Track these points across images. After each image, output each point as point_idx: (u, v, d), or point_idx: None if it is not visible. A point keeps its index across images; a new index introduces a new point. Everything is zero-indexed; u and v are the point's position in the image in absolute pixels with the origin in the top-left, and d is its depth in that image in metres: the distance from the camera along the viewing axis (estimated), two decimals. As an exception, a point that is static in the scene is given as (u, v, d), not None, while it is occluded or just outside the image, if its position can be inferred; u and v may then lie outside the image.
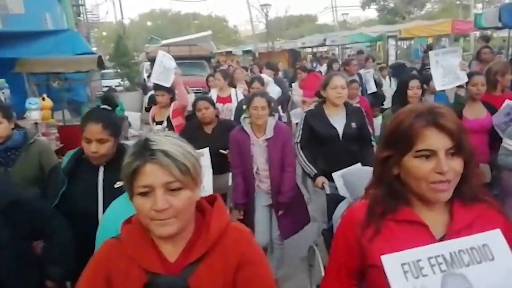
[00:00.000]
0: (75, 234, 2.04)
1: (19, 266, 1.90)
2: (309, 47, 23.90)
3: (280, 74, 10.99)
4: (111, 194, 1.98)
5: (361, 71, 7.21)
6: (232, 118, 4.75)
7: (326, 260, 1.49)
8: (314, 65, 14.61)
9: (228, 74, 5.84)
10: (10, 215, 1.86)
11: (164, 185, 1.08)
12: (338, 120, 3.32)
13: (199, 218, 1.22)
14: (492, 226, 1.10)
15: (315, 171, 3.25)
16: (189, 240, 1.18)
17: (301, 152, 3.34)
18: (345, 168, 2.88)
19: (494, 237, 1.06)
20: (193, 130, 3.84)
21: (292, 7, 75.30)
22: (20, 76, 5.80)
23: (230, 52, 28.01)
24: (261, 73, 8.29)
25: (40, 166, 2.63)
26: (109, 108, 2.27)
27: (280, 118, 4.99)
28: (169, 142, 1.12)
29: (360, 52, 12.58)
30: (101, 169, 2.14)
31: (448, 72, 3.83)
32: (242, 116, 3.39)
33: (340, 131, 3.28)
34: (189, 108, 4.33)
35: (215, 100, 4.52)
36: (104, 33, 40.42)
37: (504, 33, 11.47)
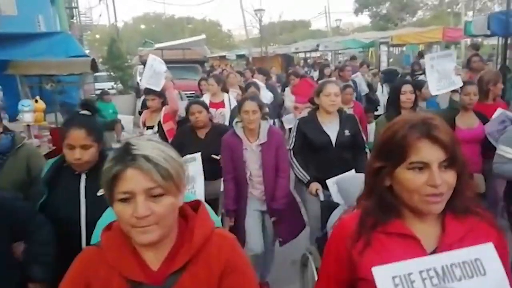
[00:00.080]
0: (57, 240, 2.00)
1: None
2: (302, 52, 24.04)
3: (274, 78, 11.03)
4: (93, 202, 1.98)
5: (352, 76, 7.28)
6: (227, 123, 4.74)
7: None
8: (306, 70, 14.71)
9: (221, 79, 5.84)
10: None
11: (145, 191, 1.05)
12: (331, 128, 3.32)
13: (182, 225, 1.19)
14: (484, 240, 1.09)
15: (309, 178, 3.23)
16: (172, 248, 1.15)
17: (294, 159, 3.32)
18: (338, 175, 2.88)
19: (486, 251, 1.06)
20: (185, 135, 3.81)
21: (285, 12, 75.96)
22: (13, 78, 5.75)
23: (224, 56, 28.09)
24: (252, 77, 8.32)
25: (28, 170, 2.58)
26: (89, 113, 2.22)
27: (274, 123, 5.01)
28: (151, 146, 1.09)
29: (353, 58, 12.68)
30: (83, 177, 2.09)
31: (443, 76, 3.82)
32: (235, 121, 3.34)
33: (333, 138, 3.28)
34: (183, 114, 4.31)
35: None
36: (97, 36, 40.23)
37: (494, 40, 11.65)
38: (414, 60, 11.20)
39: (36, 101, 5.07)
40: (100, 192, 1.15)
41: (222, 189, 3.47)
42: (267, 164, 3.22)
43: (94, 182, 1.92)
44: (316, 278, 2.61)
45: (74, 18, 18.66)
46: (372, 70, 9.26)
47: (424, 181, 1.10)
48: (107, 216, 1.69)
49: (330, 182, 2.92)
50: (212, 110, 4.86)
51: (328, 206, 2.75)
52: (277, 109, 7.44)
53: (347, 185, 2.55)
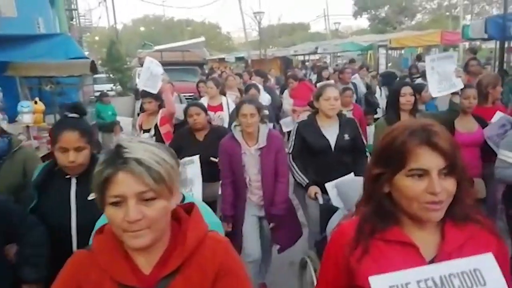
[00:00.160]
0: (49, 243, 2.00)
1: None
2: (301, 54, 24.08)
3: (272, 81, 11.04)
4: (84, 206, 1.96)
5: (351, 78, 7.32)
6: (226, 126, 4.73)
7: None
8: (304, 72, 14.73)
9: (220, 82, 5.83)
10: None
11: (136, 194, 1.03)
12: (330, 132, 3.30)
13: (175, 228, 1.17)
14: (484, 249, 1.08)
15: (307, 181, 3.21)
16: (165, 251, 1.13)
17: (293, 162, 3.30)
18: (337, 179, 2.87)
19: (486, 262, 1.04)
20: (184, 137, 3.79)
21: (284, 15, 76.01)
22: (12, 79, 5.76)
23: (223, 58, 28.11)
24: (250, 80, 8.32)
25: (24, 174, 2.56)
26: (77, 116, 2.18)
27: (274, 127, 5.00)
28: (143, 149, 1.06)
29: (352, 61, 12.71)
30: (73, 181, 2.07)
31: (443, 78, 3.82)
32: (233, 124, 3.30)
33: (333, 142, 3.26)
34: (181, 116, 4.29)
35: (205, 109, 4.49)
36: (97, 38, 40.23)
37: (492, 44, 11.68)
38: (412, 63, 11.24)
39: (36, 102, 5.08)
40: (91, 197, 1.14)
41: (220, 192, 3.43)
42: (266, 169, 3.18)
43: (85, 186, 1.88)
44: (315, 283, 2.61)
45: (74, 20, 18.70)
46: (371, 73, 9.27)
47: (423, 188, 1.08)
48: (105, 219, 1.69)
49: (329, 185, 2.91)
50: (210, 113, 4.86)
51: (328, 210, 2.75)
52: (275, 112, 7.45)
53: (346, 188, 2.55)
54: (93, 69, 6.39)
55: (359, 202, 1.26)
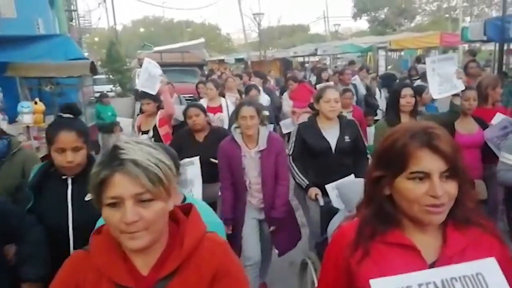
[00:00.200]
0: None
1: None
2: (301, 56, 24.11)
3: (272, 82, 11.05)
4: (81, 207, 1.96)
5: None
6: (226, 128, 4.73)
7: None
8: (304, 73, 14.74)
9: (219, 84, 5.82)
10: None
11: (133, 196, 1.02)
12: (331, 133, 3.29)
13: (173, 229, 1.17)
14: (487, 253, 1.07)
15: (307, 182, 3.20)
16: (163, 252, 1.13)
17: (293, 164, 3.29)
18: (337, 181, 2.87)
19: (488, 266, 1.03)
20: (183, 138, 3.78)
21: (284, 16, 75.94)
22: (12, 80, 5.77)
23: (223, 60, 28.10)
24: (249, 81, 8.33)
25: (23, 175, 2.56)
26: (72, 116, 2.16)
27: (274, 129, 4.99)
28: (140, 150, 1.05)
29: (351, 62, 12.71)
30: (70, 182, 2.06)
31: (444, 80, 3.80)
32: (233, 126, 3.26)
33: (333, 144, 3.25)
34: (181, 118, 4.29)
35: (205, 111, 4.48)
36: (96, 39, 40.25)
37: (491, 46, 11.71)
38: (411, 65, 11.24)
39: (36, 102, 5.09)
40: (88, 197, 1.13)
41: (220, 193, 3.42)
42: (266, 172, 3.14)
43: (81, 187, 1.88)
44: (315, 284, 2.61)
45: (73, 21, 18.71)
46: (371, 75, 9.28)
47: (424, 191, 1.07)
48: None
49: (329, 187, 2.91)
50: (209, 114, 4.86)
51: (328, 211, 2.75)
52: (275, 113, 7.45)
53: (347, 190, 2.55)
54: (93, 70, 6.39)
55: (360, 204, 1.26)
